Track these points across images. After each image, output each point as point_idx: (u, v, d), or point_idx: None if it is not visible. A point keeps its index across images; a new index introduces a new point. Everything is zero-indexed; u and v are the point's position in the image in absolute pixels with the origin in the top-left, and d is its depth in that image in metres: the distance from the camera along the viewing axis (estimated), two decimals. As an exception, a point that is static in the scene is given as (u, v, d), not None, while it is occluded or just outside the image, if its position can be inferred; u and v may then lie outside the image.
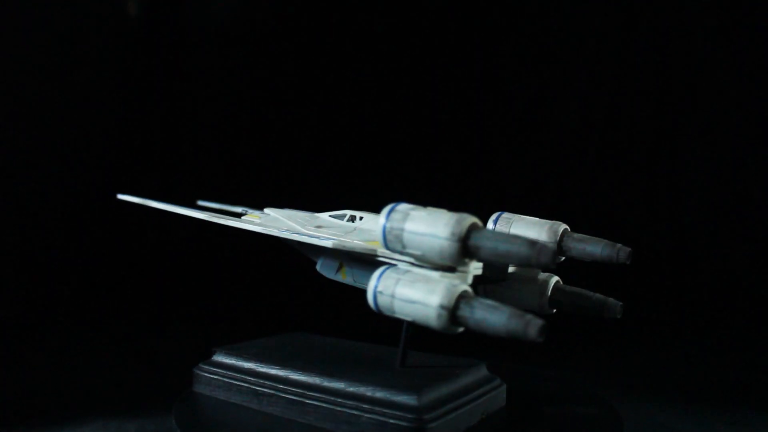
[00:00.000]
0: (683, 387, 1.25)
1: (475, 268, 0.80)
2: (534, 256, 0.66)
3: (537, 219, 0.90)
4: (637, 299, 1.97)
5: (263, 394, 0.86)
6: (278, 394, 0.85)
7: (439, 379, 0.81)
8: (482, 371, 0.89)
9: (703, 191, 2.13)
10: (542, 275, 0.90)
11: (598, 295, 0.88)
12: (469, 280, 0.76)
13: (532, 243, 0.67)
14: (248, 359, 0.90)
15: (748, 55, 2.09)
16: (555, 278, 0.90)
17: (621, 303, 0.87)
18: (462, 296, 0.70)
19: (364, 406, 0.78)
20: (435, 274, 0.74)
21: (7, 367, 1.35)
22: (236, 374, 0.90)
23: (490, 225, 0.90)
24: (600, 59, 2.24)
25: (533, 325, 0.65)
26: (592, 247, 0.85)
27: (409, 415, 0.75)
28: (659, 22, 2.18)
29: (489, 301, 0.69)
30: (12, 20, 1.82)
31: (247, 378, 0.88)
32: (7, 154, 1.83)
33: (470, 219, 0.71)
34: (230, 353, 0.93)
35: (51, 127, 1.93)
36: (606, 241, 0.85)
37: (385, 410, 0.77)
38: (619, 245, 0.84)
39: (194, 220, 0.96)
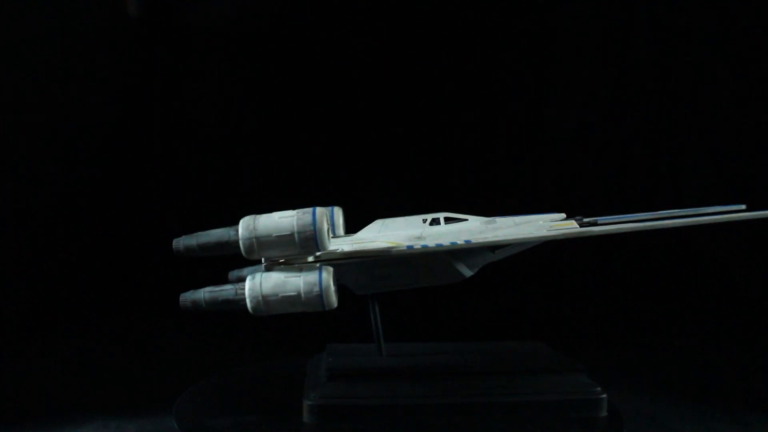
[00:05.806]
0: (683, 387, 1.25)
1: None
2: None
3: None
4: (637, 299, 1.98)
5: None
6: None
7: None
8: None
9: (704, 191, 2.13)
10: None
11: None
12: None
13: None
14: None
15: (750, 54, 2.08)
16: None
17: None
18: None
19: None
20: None
21: (7, 367, 1.35)
22: None
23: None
24: (600, 58, 2.23)
25: None
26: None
27: None
28: (660, 20, 2.18)
29: None
30: (11, 20, 1.82)
31: None
32: (7, 153, 1.83)
33: None
34: None
35: (50, 126, 1.93)
36: None
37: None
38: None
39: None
